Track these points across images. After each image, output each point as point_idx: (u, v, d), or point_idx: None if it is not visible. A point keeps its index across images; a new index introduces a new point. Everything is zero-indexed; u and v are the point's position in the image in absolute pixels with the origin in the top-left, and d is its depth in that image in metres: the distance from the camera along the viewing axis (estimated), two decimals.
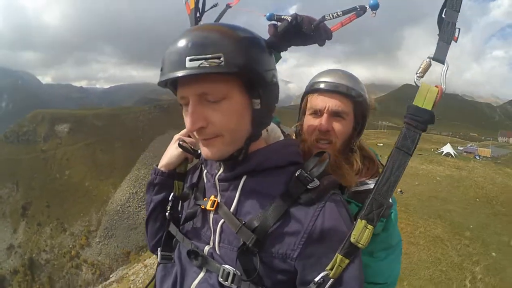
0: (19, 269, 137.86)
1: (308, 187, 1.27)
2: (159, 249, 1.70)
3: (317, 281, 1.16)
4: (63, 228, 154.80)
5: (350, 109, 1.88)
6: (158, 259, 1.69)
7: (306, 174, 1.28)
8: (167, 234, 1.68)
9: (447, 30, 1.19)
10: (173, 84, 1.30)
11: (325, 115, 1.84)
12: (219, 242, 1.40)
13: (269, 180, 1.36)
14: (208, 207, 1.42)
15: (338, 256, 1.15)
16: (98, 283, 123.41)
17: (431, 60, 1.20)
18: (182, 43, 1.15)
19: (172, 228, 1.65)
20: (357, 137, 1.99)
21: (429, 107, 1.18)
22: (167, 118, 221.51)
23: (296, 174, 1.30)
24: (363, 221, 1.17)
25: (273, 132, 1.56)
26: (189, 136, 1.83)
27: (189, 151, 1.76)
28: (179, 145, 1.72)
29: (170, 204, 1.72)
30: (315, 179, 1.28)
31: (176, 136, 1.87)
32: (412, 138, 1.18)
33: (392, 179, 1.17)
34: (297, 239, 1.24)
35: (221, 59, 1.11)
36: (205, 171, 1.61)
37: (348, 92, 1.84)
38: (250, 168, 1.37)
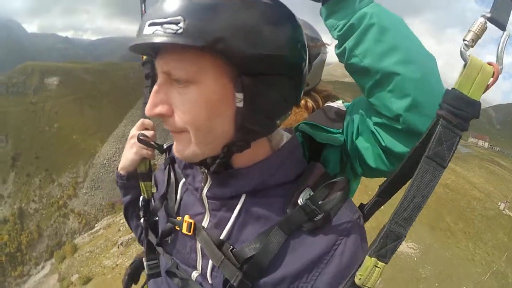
0: (9, 218, 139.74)
1: (314, 219, 0.95)
2: (143, 259, 1.49)
3: None
4: (51, 179, 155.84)
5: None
6: (146, 271, 1.47)
7: (313, 207, 0.93)
8: (148, 243, 1.44)
9: None
10: (156, 53, 0.96)
11: None
12: (212, 270, 1.09)
13: (276, 201, 1.03)
14: (184, 231, 1.12)
15: None
16: (83, 231, 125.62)
17: (487, 21, 0.80)
18: (156, 4, 0.87)
19: (152, 238, 1.40)
20: (316, 82, 1.95)
21: (477, 97, 0.81)
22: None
23: (300, 203, 0.97)
24: (372, 258, 0.84)
25: (278, 133, 1.13)
26: (145, 129, 1.51)
27: (151, 146, 1.41)
28: (139, 139, 1.38)
29: (142, 210, 1.46)
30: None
31: (131, 132, 1.53)
32: (450, 143, 0.81)
33: (417, 201, 0.82)
34: (306, 278, 0.95)
35: (180, 24, 0.77)
36: (183, 181, 1.25)
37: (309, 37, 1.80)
38: (249, 187, 1.03)
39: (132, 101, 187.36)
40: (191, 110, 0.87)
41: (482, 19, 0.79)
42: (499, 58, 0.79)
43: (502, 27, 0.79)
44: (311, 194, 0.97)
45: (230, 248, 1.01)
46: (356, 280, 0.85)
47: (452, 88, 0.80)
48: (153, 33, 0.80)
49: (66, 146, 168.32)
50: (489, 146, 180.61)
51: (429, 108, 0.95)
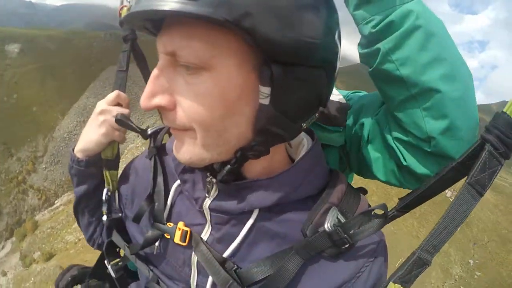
0: None
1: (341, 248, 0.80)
2: (105, 261, 1.22)
3: None
4: (10, 153, 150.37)
5: None
6: (113, 275, 1.20)
7: (344, 236, 0.77)
8: (109, 244, 1.21)
9: None
10: (155, 26, 0.74)
11: None
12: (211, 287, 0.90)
13: (292, 217, 0.86)
14: (177, 240, 0.91)
15: None
16: (43, 208, 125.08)
17: None
18: None
19: (118, 240, 1.17)
20: None
21: None
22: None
23: (328, 229, 0.79)
24: (396, 285, 0.75)
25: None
26: (118, 105, 1.18)
27: (133, 129, 1.13)
28: (118, 120, 1.10)
29: (104, 208, 1.21)
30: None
31: (100, 106, 1.16)
32: (492, 171, 0.72)
33: (449, 229, 0.75)
34: None
35: None
36: (177, 184, 1.02)
37: None
38: (266, 202, 0.82)
39: (95, 72, 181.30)
40: (201, 105, 0.67)
41: None
42: None
43: None
44: (339, 218, 0.81)
45: (234, 268, 0.84)
46: None
47: (502, 112, 0.71)
48: None
49: (26, 118, 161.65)
50: None
51: (465, 132, 0.86)
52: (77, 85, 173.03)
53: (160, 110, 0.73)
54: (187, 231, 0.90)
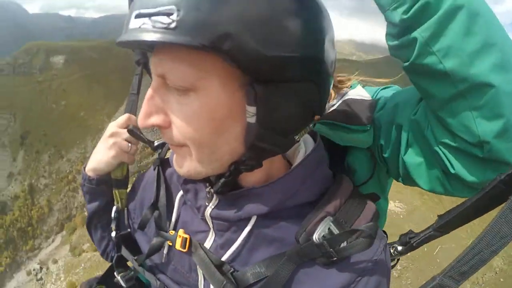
0: (19, 194, 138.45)
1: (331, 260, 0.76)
2: (115, 273, 1.23)
3: None
4: (60, 155, 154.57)
5: None
6: (123, 285, 1.21)
7: (330, 250, 0.74)
8: (118, 258, 1.22)
9: None
10: (150, 48, 0.76)
11: None
12: None
13: (290, 223, 0.84)
14: (177, 247, 0.92)
15: None
16: None
17: None
18: None
19: (126, 254, 1.18)
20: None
21: None
22: None
23: (316, 240, 0.75)
24: None
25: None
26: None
27: (142, 140, 1.17)
28: (130, 131, 1.12)
29: (113, 224, 1.22)
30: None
31: (111, 129, 1.18)
32: None
33: (484, 256, 0.63)
34: None
35: (172, 17, 0.57)
36: (180, 194, 1.04)
37: None
38: (262, 210, 0.82)
39: None
40: (191, 123, 0.68)
41: None
42: None
43: None
44: (331, 229, 0.77)
45: (231, 271, 0.84)
46: None
47: None
48: (139, 27, 0.61)
49: (74, 122, 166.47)
50: None
51: None
52: (120, 89, 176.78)
53: (158, 128, 0.74)
54: (186, 238, 0.91)
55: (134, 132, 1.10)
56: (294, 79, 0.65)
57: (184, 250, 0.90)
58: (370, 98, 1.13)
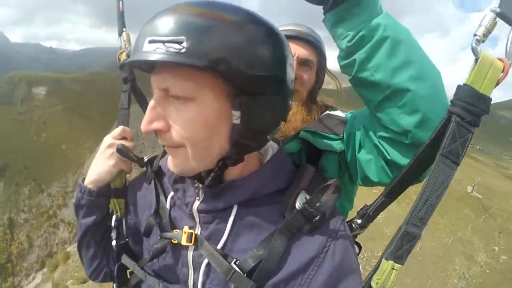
0: None
1: (313, 220, 0.97)
2: (114, 285, 1.33)
3: None
4: (40, 189, 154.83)
5: (315, 60, 1.71)
6: None
7: (311, 210, 0.95)
8: (119, 268, 1.29)
9: None
10: (150, 69, 0.93)
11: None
12: (203, 283, 1.05)
13: (267, 209, 1.04)
14: (183, 243, 1.05)
15: None
16: (74, 241, 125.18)
17: (497, 16, 0.79)
18: (152, 20, 0.83)
19: (127, 261, 1.26)
20: (318, 88, 1.83)
21: (489, 93, 0.81)
22: (144, 84, 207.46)
23: (298, 207, 0.97)
24: (389, 261, 0.85)
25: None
26: (123, 138, 1.31)
27: (131, 158, 1.26)
28: (118, 150, 1.21)
29: (113, 233, 1.30)
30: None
31: (107, 140, 1.29)
32: (464, 140, 0.81)
33: (432, 201, 0.82)
34: (304, 274, 0.97)
35: (183, 44, 0.77)
36: (172, 194, 1.18)
37: (316, 42, 1.70)
38: (242, 197, 1.02)
39: None
40: (190, 127, 0.87)
41: (492, 14, 0.77)
42: (509, 54, 0.78)
43: (510, 23, 0.78)
44: (307, 198, 0.99)
45: (234, 261, 0.99)
46: (373, 285, 0.85)
47: (464, 84, 0.79)
48: (154, 50, 0.79)
49: (55, 156, 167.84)
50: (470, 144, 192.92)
51: (437, 122, 0.91)
52: (103, 123, 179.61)
53: (157, 133, 0.92)
54: (192, 233, 1.05)
55: (122, 151, 1.21)
56: (268, 92, 0.87)
57: (191, 244, 1.04)
58: (343, 115, 1.46)
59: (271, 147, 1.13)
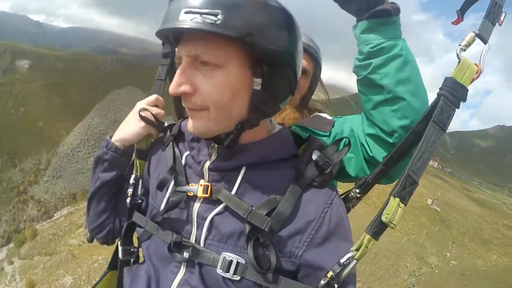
0: None
1: (325, 172, 1.12)
2: (119, 243, 1.41)
3: (343, 262, 1.01)
4: (13, 164, 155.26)
5: (312, 70, 1.98)
6: (120, 256, 1.39)
7: (326, 160, 1.11)
8: (128, 226, 1.37)
9: (493, 10, 1.09)
10: (176, 40, 1.08)
11: None
12: (205, 238, 1.14)
13: (272, 174, 1.16)
14: (200, 194, 1.15)
15: (366, 236, 1.01)
16: (42, 220, 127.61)
17: (476, 36, 1.08)
18: None
19: (138, 218, 1.33)
20: (310, 96, 2.10)
21: (466, 84, 1.06)
22: (127, 73, 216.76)
23: (314, 158, 1.12)
24: (396, 198, 0.99)
25: (272, 120, 1.28)
26: (155, 106, 1.47)
27: (152, 123, 1.39)
28: (140, 116, 1.36)
29: (130, 189, 1.37)
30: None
31: (139, 105, 1.43)
32: (448, 114, 1.05)
33: (426, 156, 1.03)
34: (303, 236, 1.09)
35: (218, 16, 0.89)
36: (187, 153, 1.29)
37: (315, 54, 1.96)
38: (252, 159, 1.15)
39: (101, 94, 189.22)
40: (216, 91, 0.99)
41: (472, 34, 1.07)
42: (482, 63, 1.07)
43: (485, 42, 1.08)
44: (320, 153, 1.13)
45: (250, 205, 1.08)
46: (383, 219, 0.97)
47: (450, 77, 1.05)
48: (191, 20, 0.90)
49: (31, 131, 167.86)
50: (440, 167, 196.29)
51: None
52: (82, 104, 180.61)
53: (183, 96, 1.04)
54: (208, 185, 1.14)
55: (144, 117, 1.37)
56: (283, 64, 1.02)
57: (207, 195, 1.14)
58: (330, 119, 1.71)
59: (278, 127, 1.27)
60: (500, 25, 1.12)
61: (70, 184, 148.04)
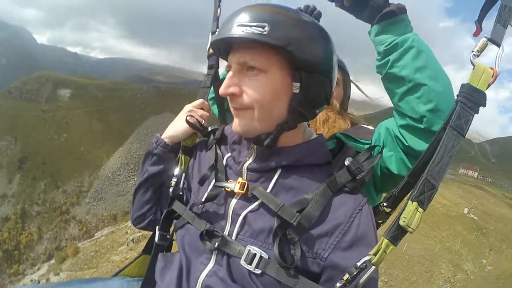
0: (10, 216, 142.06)
1: (357, 178, 1.17)
2: (157, 227, 1.52)
3: (359, 265, 1.02)
4: (56, 185, 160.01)
5: (341, 78, 2.17)
6: (156, 239, 1.51)
7: (358, 165, 1.16)
8: (167, 213, 1.48)
9: (504, 13, 1.12)
10: (226, 52, 1.24)
11: None
12: (237, 234, 1.22)
13: (306, 177, 1.23)
14: (236, 190, 1.23)
15: (384, 241, 1.02)
16: (83, 239, 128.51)
17: (488, 40, 1.12)
18: (239, 11, 1.13)
19: (178, 207, 1.44)
20: (347, 101, 2.29)
21: (483, 89, 1.10)
22: (163, 100, 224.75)
23: (347, 164, 1.18)
24: (414, 203, 1.02)
25: (308, 128, 1.37)
26: (201, 109, 1.62)
27: (197, 128, 1.52)
28: (187, 121, 1.50)
29: (174, 179, 1.50)
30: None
31: (187, 107, 1.61)
32: (466, 118, 1.09)
33: (445, 161, 1.06)
34: (330, 238, 1.13)
35: (265, 28, 1.05)
36: (228, 155, 1.40)
37: (341, 64, 2.18)
38: (287, 162, 1.23)
39: (139, 120, 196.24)
40: (260, 92, 1.12)
41: (484, 39, 1.12)
42: (498, 66, 1.11)
43: (498, 45, 1.12)
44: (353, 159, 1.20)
45: (281, 203, 1.14)
46: (401, 223, 1.00)
47: (466, 83, 1.10)
48: (242, 31, 1.06)
49: (73, 156, 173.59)
50: (481, 177, 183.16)
51: (445, 113, 1.18)
52: (121, 130, 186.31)
53: (230, 97, 1.18)
54: (245, 183, 1.23)
55: (189, 122, 1.50)
56: (319, 72, 1.13)
57: (243, 192, 1.22)
58: (372, 128, 1.81)
59: (314, 134, 1.37)
60: None
61: (110, 205, 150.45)
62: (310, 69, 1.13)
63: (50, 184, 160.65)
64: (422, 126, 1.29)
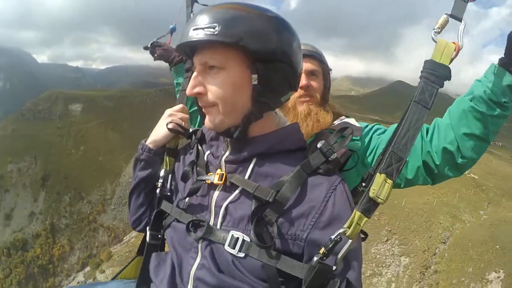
0: (41, 233, 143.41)
1: (329, 159, 1.23)
2: (147, 228, 1.59)
3: (334, 238, 1.08)
4: (80, 197, 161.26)
5: (320, 70, 2.17)
6: (147, 239, 1.59)
7: (329, 147, 1.23)
8: (157, 214, 1.55)
9: None
10: (192, 54, 1.30)
11: (303, 74, 2.01)
12: (221, 224, 1.29)
13: (281, 163, 1.30)
14: (215, 181, 1.33)
15: (356, 213, 1.08)
16: (113, 244, 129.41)
17: (449, 16, 1.17)
18: (195, 15, 1.20)
19: (166, 206, 1.52)
20: (328, 93, 2.28)
21: (446, 63, 1.16)
22: (172, 101, 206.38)
23: (319, 146, 1.25)
24: (382, 175, 1.10)
25: (281, 117, 1.46)
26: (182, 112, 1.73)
27: (177, 132, 1.63)
28: (168, 128, 1.60)
29: (160, 181, 1.59)
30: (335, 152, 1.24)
31: (168, 112, 1.72)
32: (430, 92, 1.15)
33: (411, 133, 1.13)
34: (307, 219, 1.20)
35: (216, 28, 1.11)
36: (208, 152, 1.49)
37: (319, 57, 2.17)
38: (260, 150, 1.31)
39: (151, 125, 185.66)
40: (221, 88, 1.20)
41: (445, 16, 1.17)
42: (460, 39, 1.16)
43: (459, 20, 1.16)
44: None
45: (257, 184, 1.23)
46: (371, 194, 1.08)
47: (429, 59, 1.18)
48: (196, 34, 1.14)
49: (93, 167, 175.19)
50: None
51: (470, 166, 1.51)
52: (136, 136, 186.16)
53: (198, 96, 1.26)
54: (223, 174, 1.32)
55: (170, 128, 1.60)
56: (277, 60, 1.19)
57: (221, 182, 1.31)
58: (359, 125, 1.91)
59: (288, 122, 1.46)
60: (473, 1, 1.20)
61: None
62: (266, 60, 1.18)
63: (75, 196, 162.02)
64: (458, 162, 1.46)
